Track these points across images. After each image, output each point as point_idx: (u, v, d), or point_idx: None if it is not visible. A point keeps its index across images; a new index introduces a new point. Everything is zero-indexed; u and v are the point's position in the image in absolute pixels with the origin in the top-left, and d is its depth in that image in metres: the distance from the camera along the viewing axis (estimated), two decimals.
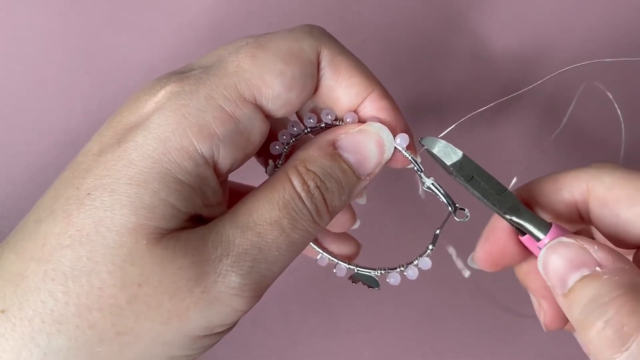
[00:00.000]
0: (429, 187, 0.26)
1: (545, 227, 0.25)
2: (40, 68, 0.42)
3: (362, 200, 0.29)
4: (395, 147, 0.25)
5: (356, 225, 0.30)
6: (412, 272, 0.27)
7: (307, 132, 0.26)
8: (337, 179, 0.24)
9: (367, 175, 0.25)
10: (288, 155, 0.26)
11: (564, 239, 0.23)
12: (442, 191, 0.26)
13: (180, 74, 0.23)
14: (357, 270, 0.28)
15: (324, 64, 0.24)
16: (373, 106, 0.25)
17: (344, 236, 0.30)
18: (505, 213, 0.25)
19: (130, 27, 0.43)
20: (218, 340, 0.24)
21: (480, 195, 0.26)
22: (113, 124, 0.23)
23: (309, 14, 0.43)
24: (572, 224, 0.27)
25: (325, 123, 0.26)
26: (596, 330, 0.20)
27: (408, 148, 0.26)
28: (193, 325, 0.22)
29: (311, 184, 0.23)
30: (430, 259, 0.27)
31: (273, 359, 0.41)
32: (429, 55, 0.42)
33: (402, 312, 0.41)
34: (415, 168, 0.26)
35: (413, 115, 0.42)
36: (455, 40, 0.42)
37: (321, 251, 0.29)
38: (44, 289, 0.21)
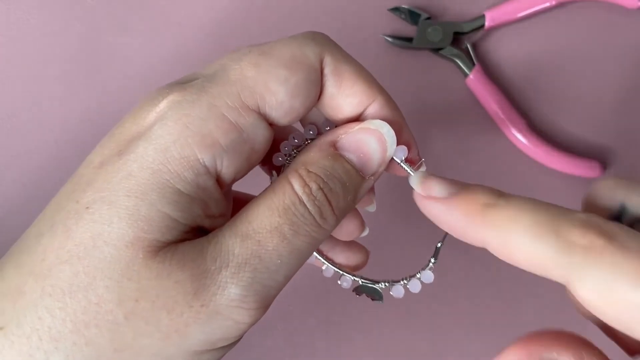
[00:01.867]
0: None
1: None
2: (40, 68, 0.42)
3: (371, 208, 0.28)
4: (393, 159, 0.25)
5: (365, 233, 0.29)
6: (414, 286, 0.27)
7: (308, 143, 0.26)
8: (341, 179, 0.23)
9: (372, 174, 0.24)
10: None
11: None
12: None
13: (182, 84, 0.23)
14: (362, 282, 0.27)
15: (326, 71, 0.24)
16: (375, 116, 0.25)
17: (352, 244, 0.29)
18: None
19: (130, 27, 0.42)
20: (221, 356, 0.23)
21: None
22: (115, 135, 0.23)
23: (308, 14, 0.43)
24: None
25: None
26: None
27: (408, 160, 0.25)
28: (193, 340, 0.21)
29: (313, 186, 0.23)
30: (432, 272, 0.27)
31: None
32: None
33: (401, 313, 0.41)
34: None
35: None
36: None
37: (326, 262, 0.28)
38: (42, 305, 0.20)
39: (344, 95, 0.24)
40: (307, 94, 0.23)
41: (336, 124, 0.25)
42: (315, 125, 0.26)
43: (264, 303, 0.22)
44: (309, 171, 0.23)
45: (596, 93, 0.42)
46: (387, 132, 0.24)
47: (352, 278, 0.28)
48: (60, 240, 0.21)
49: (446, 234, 0.24)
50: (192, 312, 0.21)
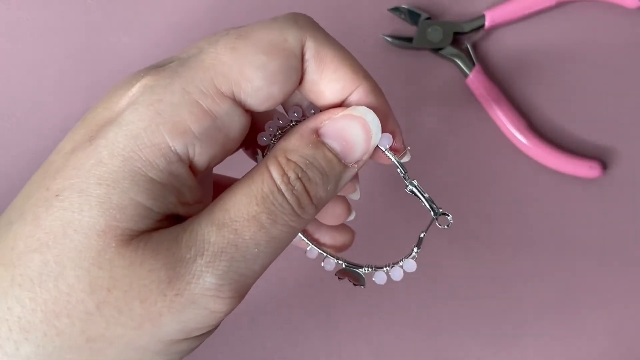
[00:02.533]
0: (411, 191, 0.25)
1: None
2: (40, 68, 0.42)
3: (355, 196, 0.28)
4: (377, 147, 0.24)
5: (351, 217, 0.29)
6: (397, 273, 0.26)
7: (293, 125, 0.25)
8: (321, 168, 0.23)
9: (355, 162, 0.24)
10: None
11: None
12: (425, 195, 0.25)
13: (157, 67, 0.22)
14: (346, 265, 0.27)
15: (308, 55, 0.23)
16: (360, 102, 0.24)
17: (338, 225, 0.29)
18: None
19: (130, 27, 0.42)
20: (198, 345, 0.23)
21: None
22: (87, 120, 0.22)
23: (308, 13, 0.43)
24: None
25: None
26: None
27: (393, 149, 0.24)
28: (167, 329, 0.21)
29: (292, 175, 0.22)
30: (415, 261, 0.26)
31: None
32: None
33: (401, 312, 0.41)
34: (399, 170, 0.25)
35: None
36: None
37: (310, 243, 0.28)
38: (12, 294, 0.20)
39: (327, 81, 0.23)
40: (285, 81, 0.22)
41: (321, 109, 0.25)
42: (300, 107, 0.25)
43: (240, 292, 0.22)
44: (288, 159, 0.22)
45: (596, 93, 0.42)
46: (372, 120, 0.23)
47: (336, 261, 0.27)
48: (29, 228, 0.20)
49: (430, 223, 0.24)
50: (166, 301, 0.20)
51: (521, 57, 0.43)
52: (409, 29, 0.42)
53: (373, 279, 0.27)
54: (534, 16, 0.42)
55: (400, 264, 0.26)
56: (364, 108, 0.23)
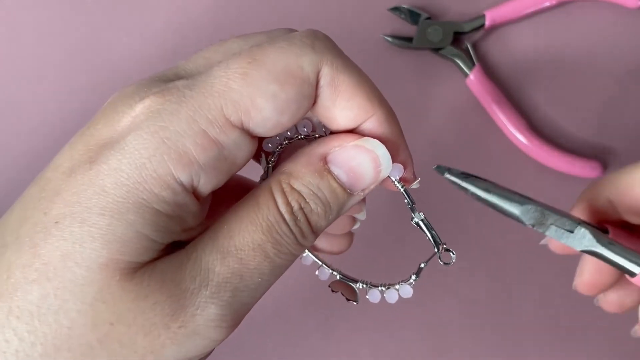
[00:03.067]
0: (417, 223, 0.24)
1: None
2: (40, 68, 0.42)
3: (361, 216, 0.27)
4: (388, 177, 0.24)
5: (356, 227, 0.28)
6: (392, 296, 0.26)
7: (301, 138, 0.25)
8: (324, 199, 0.22)
9: (361, 191, 0.23)
10: (281, 154, 0.25)
11: None
12: (432, 232, 0.24)
13: (162, 83, 0.21)
14: (340, 277, 0.26)
15: (322, 82, 0.22)
16: (372, 132, 0.23)
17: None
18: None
19: (129, 26, 0.42)
20: None
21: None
22: (86, 136, 0.21)
23: (308, 13, 0.43)
24: None
25: (320, 135, 0.24)
26: None
27: (402, 179, 0.24)
28: (168, 359, 0.21)
29: (295, 205, 0.22)
30: (412, 288, 0.26)
31: None
32: None
33: (400, 312, 0.41)
34: (406, 201, 0.24)
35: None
36: None
37: (306, 249, 0.27)
38: (9, 327, 0.19)
39: (340, 108, 0.22)
40: (297, 110, 0.22)
41: (331, 130, 0.24)
42: (310, 121, 0.25)
43: (239, 320, 0.22)
44: (292, 188, 0.22)
45: (596, 93, 0.42)
46: (383, 154, 0.23)
47: (330, 271, 0.26)
48: (27, 257, 0.20)
49: (431, 257, 0.24)
50: (169, 334, 0.20)
51: (521, 56, 0.43)
52: (409, 29, 0.42)
53: (367, 296, 0.26)
54: (534, 16, 0.42)
55: (397, 287, 0.26)
56: (376, 142, 0.23)
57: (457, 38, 0.42)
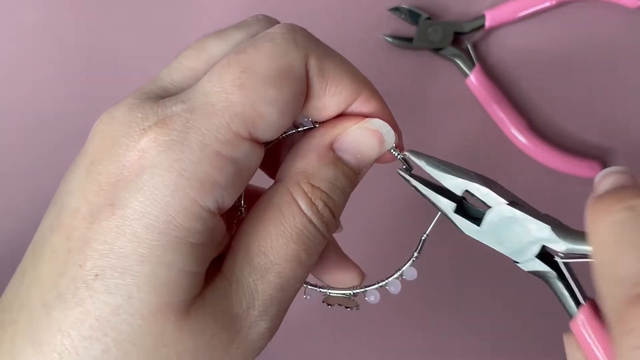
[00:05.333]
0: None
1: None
2: (40, 68, 0.42)
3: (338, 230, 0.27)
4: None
5: (339, 230, 0.27)
6: (394, 287, 0.25)
7: (299, 131, 0.25)
8: (342, 187, 0.23)
9: (365, 167, 0.24)
10: (281, 142, 0.25)
11: None
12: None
13: (154, 104, 0.21)
14: (330, 293, 0.26)
15: (311, 73, 0.22)
16: (361, 110, 0.24)
17: (343, 263, 0.27)
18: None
19: (130, 27, 0.42)
20: None
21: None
22: (94, 174, 0.20)
23: (308, 13, 0.43)
24: None
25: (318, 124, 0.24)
26: None
27: (397, 147, 0.24)
28: None
29: (319, 204, 0.22)
30: (415, 267, 0.25)
31: None
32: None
33: (401, 312, 0.41)
34: (405, 167, 0.25)
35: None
36: None
37: None
38: None
39: (330, 95, 0.23)
40: (296, 107, 0.22)
41: (323, 120, 0.24)
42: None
43: (281, 322, 0.23)
44: (312, 186, 0.22)
45: (596, 93, 0.42)
46: (387, 132, 0.24)
47: (318, 290, 0.26)
48: (76, 315, 0.20)
49: (434, 221, 0.24)
50: (229, 356, 0.21)
51: (521, 57, 0.43)
52: (409, 29, 0.42)
53: (366, 298, 0.26)
54: (534, 16, 0.42)
55: (399, 273, 0.25)
56: (379, 121, 0.24)
57: (457, 38, 0.42)
